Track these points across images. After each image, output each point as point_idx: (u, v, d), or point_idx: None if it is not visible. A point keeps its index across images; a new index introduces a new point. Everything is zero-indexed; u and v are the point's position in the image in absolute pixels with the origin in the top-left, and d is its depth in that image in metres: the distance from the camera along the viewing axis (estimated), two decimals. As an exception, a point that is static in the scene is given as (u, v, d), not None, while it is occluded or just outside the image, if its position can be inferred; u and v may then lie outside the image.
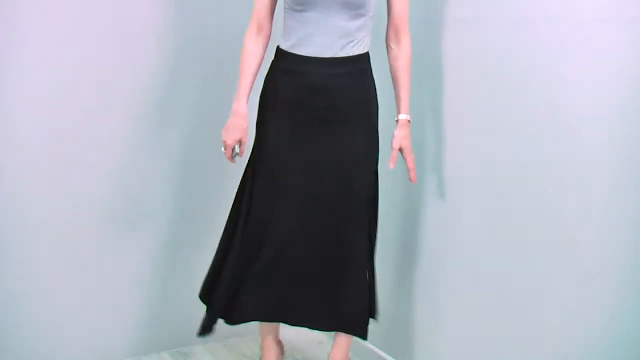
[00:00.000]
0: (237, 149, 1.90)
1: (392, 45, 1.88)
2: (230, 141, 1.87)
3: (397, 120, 1.88)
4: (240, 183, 1.96)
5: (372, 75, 1.88)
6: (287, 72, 1.85)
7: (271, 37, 1.94)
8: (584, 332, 1.57)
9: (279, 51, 1.88)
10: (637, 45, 1.42)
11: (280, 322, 2.03)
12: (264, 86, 1.91)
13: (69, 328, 2.22)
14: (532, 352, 1.71)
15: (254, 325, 2.54)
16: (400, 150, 1.87)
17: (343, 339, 2.04)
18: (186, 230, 2.40)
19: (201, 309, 2.46)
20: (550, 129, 1.61)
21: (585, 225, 1.55)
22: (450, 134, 1.95)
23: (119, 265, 2.28)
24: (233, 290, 1.90)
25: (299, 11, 1.79)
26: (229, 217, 1.97)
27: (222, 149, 1.91)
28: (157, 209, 2.33)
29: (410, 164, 1.88)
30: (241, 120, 1.86)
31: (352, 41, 1.80)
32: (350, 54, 1.81)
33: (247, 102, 1.86)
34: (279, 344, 2.21)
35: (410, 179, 1.89)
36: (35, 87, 2.05)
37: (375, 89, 1.89)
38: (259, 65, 1.89)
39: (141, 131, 2.25)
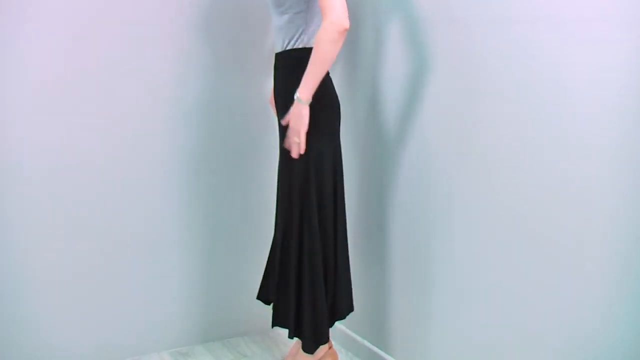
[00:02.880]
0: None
1: None
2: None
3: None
4: None
5: (300, 69, 1.87)
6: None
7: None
8: (584, 333, 1.56)
9: None
10: (637, 45, 1.41)
11: None
12: None
13: (69, 328, 2.22)
14: (531, 353, 1.70)
15: (254, 325, 2.55)
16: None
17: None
18: (187, 231, 2.40)
19: (199, 309, 2.47)
20: (549, 129, 1.61)
21: (586, 226, 1.54)
22: (449, 133, 1.94)
23: (119, 265, 2.28)
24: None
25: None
26: None
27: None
28: (159, 209, 2.33)
29: (286, 143, 1.92)
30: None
31: (285, 37, 1.95)
32: (285, 49, 1.96)
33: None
34: None
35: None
36: (37, 87, 2.05)
37: (299, 82, 1.87)
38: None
39: (145, 130, 2.26)
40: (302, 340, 2.06)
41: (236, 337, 2.56)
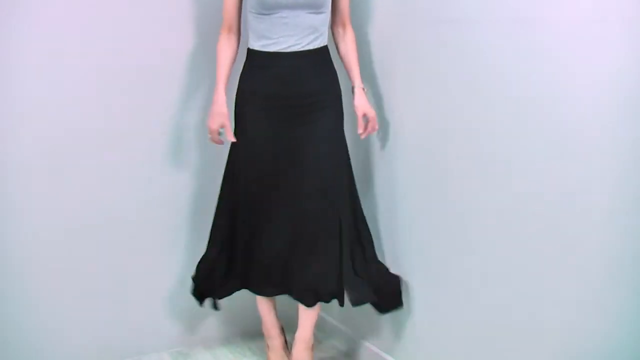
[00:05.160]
0: (222, 132, 2.07)
1: (340, 30, 2.16)
2: (214, 126, 2.06)
3: (354, 90, 2.12)
4: (225, 176, 2.17)
5: (332, 63, 2.14)
6: (262, 68, 2.06)
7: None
8: (584, 334, 1.56)
9: (251, 51, 2.09)
10: (637, 45, 1.41)
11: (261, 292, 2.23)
12: (240, 84, 2.11)
13: (69, 328, 2.22)
14: (532, 353, 1.70)
15: (253, 325, 2.55)
16: (364, 115, 2.10)
17: (305, 315, 2.21)
18: (186, 231, 2.40)
19: (199, 309, 2.47)
20: (549, 130, 1.61)
21: (586, 227, 1.53)
22: (451, 133, 1.94)
23: (119, 265, 2.28)
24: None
25: (267, 15, 1.99)
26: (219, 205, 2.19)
27: (208, 134, 2.10)
28: (158, 209, 2.33)
29: (374, 128, 2.13)
30: (221, 107, 2.05)
31: (317, 35, 2.04)
32: (316, 47, 2.05)
33: (225, 91, 2.06)
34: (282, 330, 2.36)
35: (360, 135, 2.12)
36: (37, 87, 2.05)
37: (337, 75, 2.15)
38: (233, 59, 2.11)
39: (143, 131, 2.26)
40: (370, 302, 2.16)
41: (236, 337, 2.56)
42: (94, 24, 2.11)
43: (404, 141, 2.12)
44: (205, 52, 2.28)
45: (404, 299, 2.15)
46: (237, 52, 2.11)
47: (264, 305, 2.28)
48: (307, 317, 2.20)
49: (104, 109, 2.18)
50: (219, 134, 2.07)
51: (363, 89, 2.12)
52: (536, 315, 1.68)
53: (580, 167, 1.54)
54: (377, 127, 2.13)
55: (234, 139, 2.06)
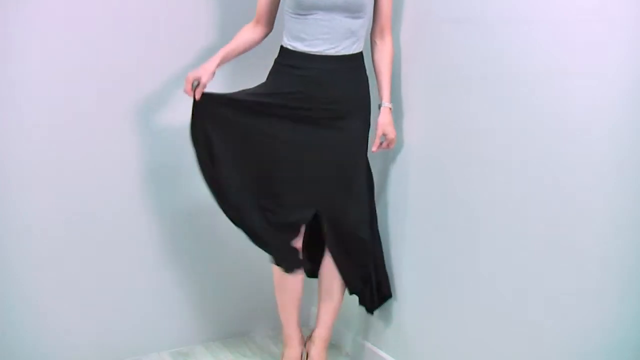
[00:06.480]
0: (194, 85, 1.98)
1: (377, 41, 2.07)
2: (191, 76, 1.98)
3: (380, 108, 2.06)
4: None
5: (364, 71, 2.07)
6: (291, 67, 2.01)
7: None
8: (584, 333, 1.56)
9: (283, 49, 2.04)
10: (637, 45, 1.41)
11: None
12: (268, 79, 2.07)
13: (70, 328, 2.22)
14: (532, 353, 1.71)
15: (253, 325, 2.55)
16: (384, 135, 2.06)
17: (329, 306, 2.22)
18: (186, 231, 2.40)
19: (200, 309, 2.47)
20: (549, 129, 1.61)
21: (586, 226, 1.54)
22: (452, 133, 1.94)
23: (119, 265, 2.28)
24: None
25: (303, 15, 1.95)
26: None
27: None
28: (158, 209, 2.33)
29: (390, 146, 2.08)
30: (209, 64, 1.99)
31: (354, 40, 1.99)
32: (351, 52, 1.99)
33: (222, 62, 2.01)
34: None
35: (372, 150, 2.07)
36: (37, 88, 2.05)
37: (369, 84, 2.08)
38: (249, 42, 2.06)
39: (141, 131, 2.25)
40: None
41: (236, 337, 2.56)
42: (94, 24, 2.11)
43: (412, 142, 2.12)
44: (211, 53, 2.28)
45: (404, 298, 2.16)
46: (257, 42, 2.07)
47: (286, 310, 2.21)
48: (328, 315, 2.19)
49: (105, 109, 2.18)
50: (192, 85, 1.97)
51: (390, 108, 2.06)
52: (536, 316, 1.68)
53: (579, 166, 1.54)
54: (392, 146, 2.09)
55: (197, 97, 1.97)
